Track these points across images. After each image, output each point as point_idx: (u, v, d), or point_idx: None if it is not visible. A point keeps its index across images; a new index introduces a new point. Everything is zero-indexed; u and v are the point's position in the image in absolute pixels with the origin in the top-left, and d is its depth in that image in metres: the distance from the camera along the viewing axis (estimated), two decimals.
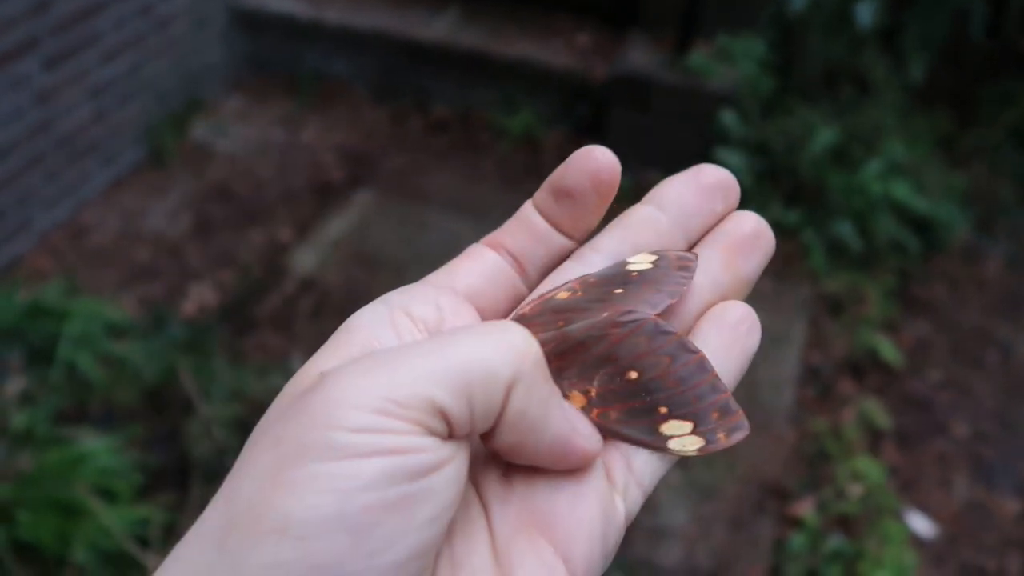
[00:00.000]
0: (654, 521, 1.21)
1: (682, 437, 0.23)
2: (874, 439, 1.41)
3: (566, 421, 0.22)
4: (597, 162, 0.26)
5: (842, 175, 1.73)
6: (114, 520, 0.91)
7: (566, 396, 0.23)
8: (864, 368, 1.53)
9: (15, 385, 1.13)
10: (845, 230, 1.69)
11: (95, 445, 1.01)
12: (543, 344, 0.23)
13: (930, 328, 1.65)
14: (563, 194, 0.26)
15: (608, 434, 0.23)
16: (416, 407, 0.19)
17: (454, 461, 0.20)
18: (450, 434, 0.20)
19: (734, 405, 0.24)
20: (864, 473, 1.31)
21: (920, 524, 1.29)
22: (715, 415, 0.23)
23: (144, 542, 0.96)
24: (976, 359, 1.59)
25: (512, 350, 0.21)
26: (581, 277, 0.25)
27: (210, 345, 1.33)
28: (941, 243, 1.76)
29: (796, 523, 1.25)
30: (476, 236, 0.27)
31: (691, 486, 1.26)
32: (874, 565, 1.18)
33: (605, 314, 0.24)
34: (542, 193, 0.27)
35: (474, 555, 0.21)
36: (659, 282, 0.25)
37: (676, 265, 0.25)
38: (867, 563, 1.18)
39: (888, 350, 1.54)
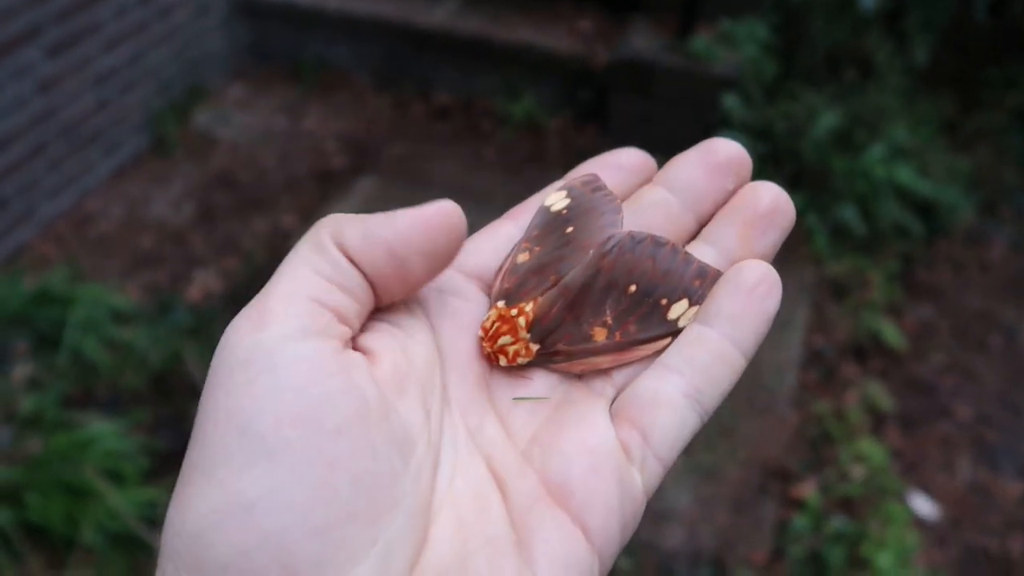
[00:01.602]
0: (657, 504, 1.22)
1: (685, 314, 0.25)
2: (877, 422, 1.42)
3: (408, 215, 0.23)
4: (642, 153, 0.29)
5: (845, 159, 1.72)
6: (122, 502, 0.92)
7: (590, 335, 0.25)
8: (867, 352, 1.53)
9: (23, 371, 1.13)
10: (848, 214, 1.68)
11: (102, 429, 1.02)
12: (551, 305, 0.25)
13: (934, 312, 1.65)
14: (614, 166, 0.29)
15: (635, 346, 0.25)
16: (302, 302, 0.21)
17: (345, 372, 0.21)
18: (349, 321, 0.22)
19: (707, 267, 0.26)
20: (867, 455, 1.32)
21: (923, 506, 1.30)
22: (697, 283, 0.26)
23: (152, 523, 0.97)
24: (980, 342, 1.59)
25: (319, 235, 0.23)
26: (524, 237, 0.27)
27: (215, 331, 1.34)
28: (945, 227, 1.76)
29: (799, 505, 1.26)
30: (479, 223, 0.28)
31: (694, 469, 1.27)
32: (876, 546, 1.18)
33: (591, 251, 0.26)
34: (585, 169, 0.29)
35: (488, 524, 0.22)
36: (593, 208, 0.27)
37: (591, 190, 0.28)
38: (869, 544, 1.19)
39: (891, 334, 1.54)
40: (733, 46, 1.78)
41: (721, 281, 0.25)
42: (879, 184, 1.69)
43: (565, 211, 0.27)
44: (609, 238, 0.26)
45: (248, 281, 1.53)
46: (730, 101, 1.72)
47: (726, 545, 1.19)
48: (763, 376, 1.41)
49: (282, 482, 0.19)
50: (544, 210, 0.28)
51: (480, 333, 0.25)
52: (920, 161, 1.76)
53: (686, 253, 0.26)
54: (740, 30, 1.80)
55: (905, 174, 1.70)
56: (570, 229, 0.27)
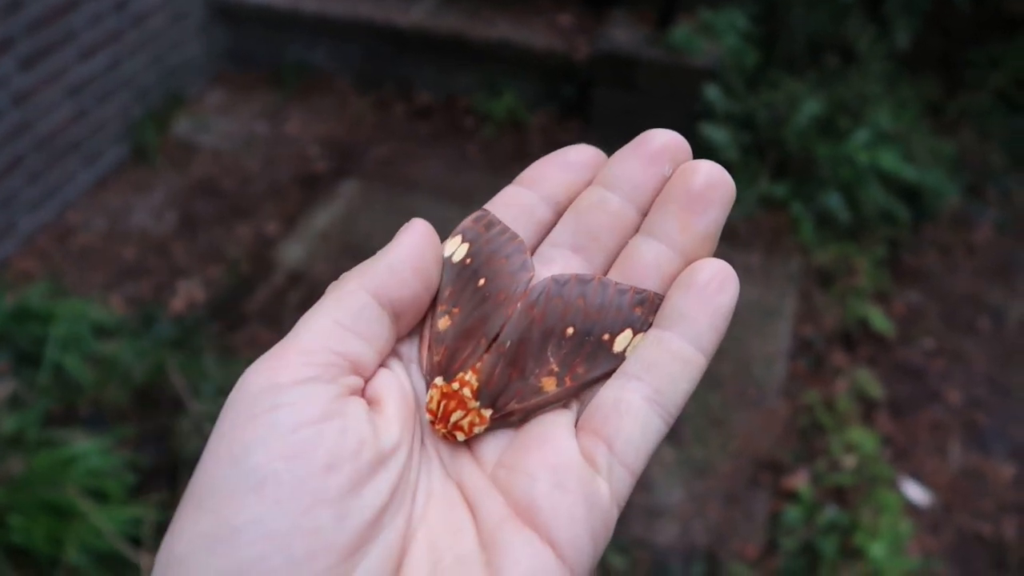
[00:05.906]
0: (649, 500, 1.22)
1: (631, 344, 0.25)
2: (867, 409, 1.41)
3: (404, 243, 0.26)
4: (592, 149, 0.29)
5: (829, 146, 1.72)
6: (106, 521, 0.91)
7: (540, 387, 0.25)
8: (856, 339, 1.53)
9: (4, 389, 1.12)
10: (833, 201, 1.68)
11: (85, 446, 1.01)
12: (493, 368, 0.25)
13: (921, 296, 1.65)
14: (563, 164, 0.28)
15: (588, 388, 0.25)
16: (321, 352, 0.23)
17: (344, 417, 0.22)
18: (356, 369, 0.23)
19: (645, 292, 0.25)
20: (858, 443, 1.32)
21: (915, 492, 1.30)
22: (638, 310, 0.25)
23: (136, 542, 0.97)
24: (968, 326, 1.59)
25: (344, 284, 0.25)
26: (437, 299, 0.27)
27: (199, 342, 1.33)
28: (930, 211, 1.76)
29: (791, 496, 1.26)
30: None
31: (685, 464, 1.26)
32: (869, 536, 1.18)
33: (518, 304, 0.26)
34: (536, 170, 0.29)
35: (458, 545, 0.22)
36: (496, 252, 0.26)
37: (485, 228, 0.27)
38: (862, 533, 1.19)
39: (879, 320, 1.54)
40: (713, 36, 1.78)
41: (675, 284, 0.25)
42: (863, 170, 1.68)
43: (468, 259, 0.27)
44: (533, 287, 0.26)
45: (232, 290, 1.52)
46: (712, 92, 1.71)
47: (719, 540, 1.19)
48: (752, 367, 1.40)
49: (266, 512, 0.20)
50: (447, 262, 0.27)
51: (428, 417, 0.25)
52: (904, 145, 1.75)
53: (616, 284, 0.26)
54: (720, 20, 1.79)
55: (889, 159, 1.69)
56: (482, 282, 0.26)
